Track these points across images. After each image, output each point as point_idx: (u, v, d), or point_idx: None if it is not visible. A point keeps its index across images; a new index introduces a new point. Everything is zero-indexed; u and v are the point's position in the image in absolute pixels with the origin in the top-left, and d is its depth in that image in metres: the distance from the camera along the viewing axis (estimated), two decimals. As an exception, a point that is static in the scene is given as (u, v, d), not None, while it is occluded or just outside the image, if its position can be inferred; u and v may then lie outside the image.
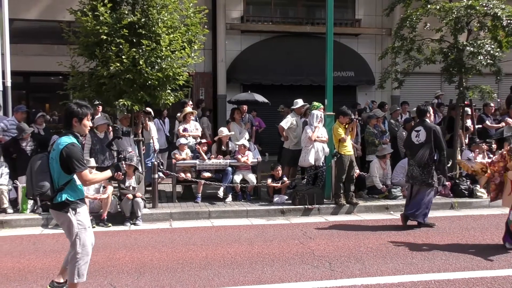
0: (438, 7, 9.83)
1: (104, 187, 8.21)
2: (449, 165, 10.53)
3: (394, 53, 10.58)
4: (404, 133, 10.66)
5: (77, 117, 4.44)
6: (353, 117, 9.24)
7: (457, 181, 10.09)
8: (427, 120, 7.90)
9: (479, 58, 9.69)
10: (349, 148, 9.02)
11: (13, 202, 8.47)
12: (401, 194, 9.64)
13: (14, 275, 5.57)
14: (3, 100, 10.32)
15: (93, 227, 7.72)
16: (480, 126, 11.86)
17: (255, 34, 16.68)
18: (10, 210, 8.29)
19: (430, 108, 8.30)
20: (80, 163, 4.32)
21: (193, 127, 10.40)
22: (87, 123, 4.53)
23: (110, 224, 7.97)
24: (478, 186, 9.85)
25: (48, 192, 4.34)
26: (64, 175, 4.37)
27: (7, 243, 7.00)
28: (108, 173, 4.71)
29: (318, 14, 17.94)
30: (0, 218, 8.02)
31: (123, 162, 4.81)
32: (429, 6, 9.99)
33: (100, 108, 10.36)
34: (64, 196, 4.38)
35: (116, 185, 8.52)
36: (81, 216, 4.49)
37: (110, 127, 9.74)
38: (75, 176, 4.42)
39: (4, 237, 7.39)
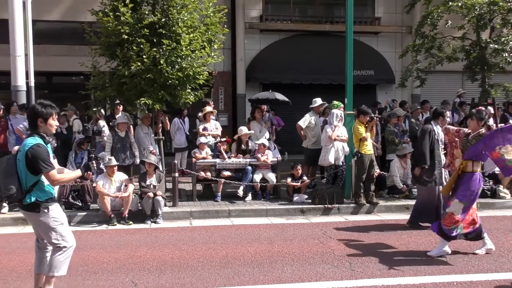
0: (460, 4, 9.71)
1: (125, 185, 8.30)
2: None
3: (415, 51, 10.48)
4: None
5: (41, 117, 4.38)
6: (373, 116, 9.17)
7: (479, 181, 9.91)
8: (437, 122, 7.85)
9: (503, 55, 9.54)
10: (369, 147, 8.96)
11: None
12: (422, 194, 9.52)
13: (38, 271, 5.67)
14: (27, 100, 10.49)
15: (114, 225, 7.90)
16: (503, 125, 11.64)
17: (274, 33, 16.67)
18: (33, 208, 8.43)
19: (448, 112, 8.27)
20: (46, 163, 4.27)
21: (213, 126, 10.44)
22: (53, 122, 4.47)
23: (131, 222, 8.05)
24: (501, 186, 9.70)
25: (15, 194, 4.30)
26: (31, 176, 4.33)
27: (31, 239, 7.04)
28: (78, 173, 4.71)
29: (337, 13, 17.85)
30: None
31: (94, 162, 4.76)
32: (450, 3, 9.85)
33: (121, 107, 10.47)
34: (34, 198, 4.35)
35: (137, 183, 8.62)
36: (54, 213, 4.45)
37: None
38: (43, 177, 4.38)
39: (28, 234, 7.49)
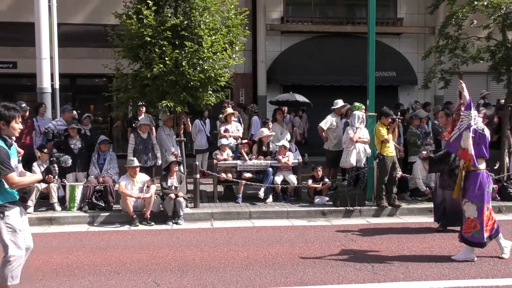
0: (485, 3, 9.52)
1: (147, 186, 8.38)
2: (496, 167, 10.22)
3: (439, 52, 10.33)
4: (447, 134, 10.39)
5: (4, 119, 4.34)
6: (395, 117, 9.08)
7: (504, 184, 9.72)
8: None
9: (530, 56, 9.34)
10: (391, 149, 8.88)
11: (61, 200, 8.75)
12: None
13: (62, 270, 5.77)
14: (52, 101, 10.68)
15: (137, 226, 7.98)
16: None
17: (295, 34, 16.65)
18: (58, 208, 8.57)
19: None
20: (4, 165, 4.23)
21: (234, 128, 10.47)
22: (16, 125, 4.42)
23: (153, 223, 8.11)
24: (528, 189, 9.49)
25: None
26: None
27: (56, 239, 7.25)
28: (38, 176, 4.67)
29: (358, 14, 17.75)
30: (49, 215, 8.32)
31: (55, 165, 4.71)
32: (475, 2, 9.67)
33: (144, 109, 10.57)
34: None
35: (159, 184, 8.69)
36: (10, 219, 4.36)
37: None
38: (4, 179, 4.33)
39: (53, 233, 7.65)
